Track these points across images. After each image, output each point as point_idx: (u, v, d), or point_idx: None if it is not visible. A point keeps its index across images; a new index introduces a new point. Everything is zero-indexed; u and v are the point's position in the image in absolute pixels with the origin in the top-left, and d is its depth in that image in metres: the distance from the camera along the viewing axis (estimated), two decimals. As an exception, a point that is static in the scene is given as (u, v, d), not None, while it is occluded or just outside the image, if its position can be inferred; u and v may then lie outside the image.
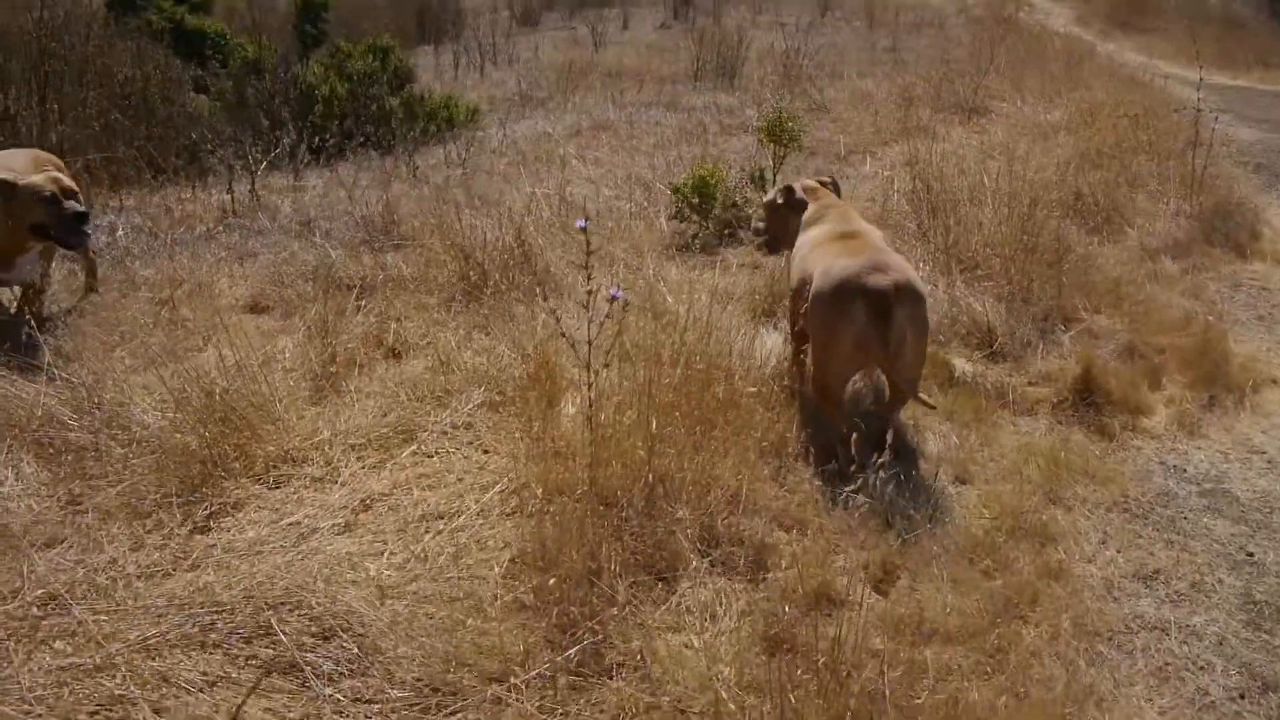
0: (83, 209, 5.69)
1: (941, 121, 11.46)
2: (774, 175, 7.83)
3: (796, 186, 5.68)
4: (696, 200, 7.33)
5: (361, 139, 9.92)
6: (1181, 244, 7.90)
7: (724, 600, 3.77)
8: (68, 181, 5.75)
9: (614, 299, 3.97)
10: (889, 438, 4.48)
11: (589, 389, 4.02)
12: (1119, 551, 4.43)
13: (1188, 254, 7.84)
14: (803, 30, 23.22)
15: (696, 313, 5.57)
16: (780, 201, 5.62)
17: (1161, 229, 8.12)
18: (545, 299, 5.20)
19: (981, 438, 5.21)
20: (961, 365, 5.91)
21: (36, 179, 5.58)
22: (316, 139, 9.76)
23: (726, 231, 7.48)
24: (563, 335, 4.12)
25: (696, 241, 7.39)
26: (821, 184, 5.75)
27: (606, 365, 4.13)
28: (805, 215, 5.50)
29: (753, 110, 11.40)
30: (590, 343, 3.96)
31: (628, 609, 3.62)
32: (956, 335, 6.11)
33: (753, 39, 17.74)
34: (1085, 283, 6.82)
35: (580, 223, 4.03)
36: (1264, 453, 5.39)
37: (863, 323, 4.59)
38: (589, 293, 3.95)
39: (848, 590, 3.86)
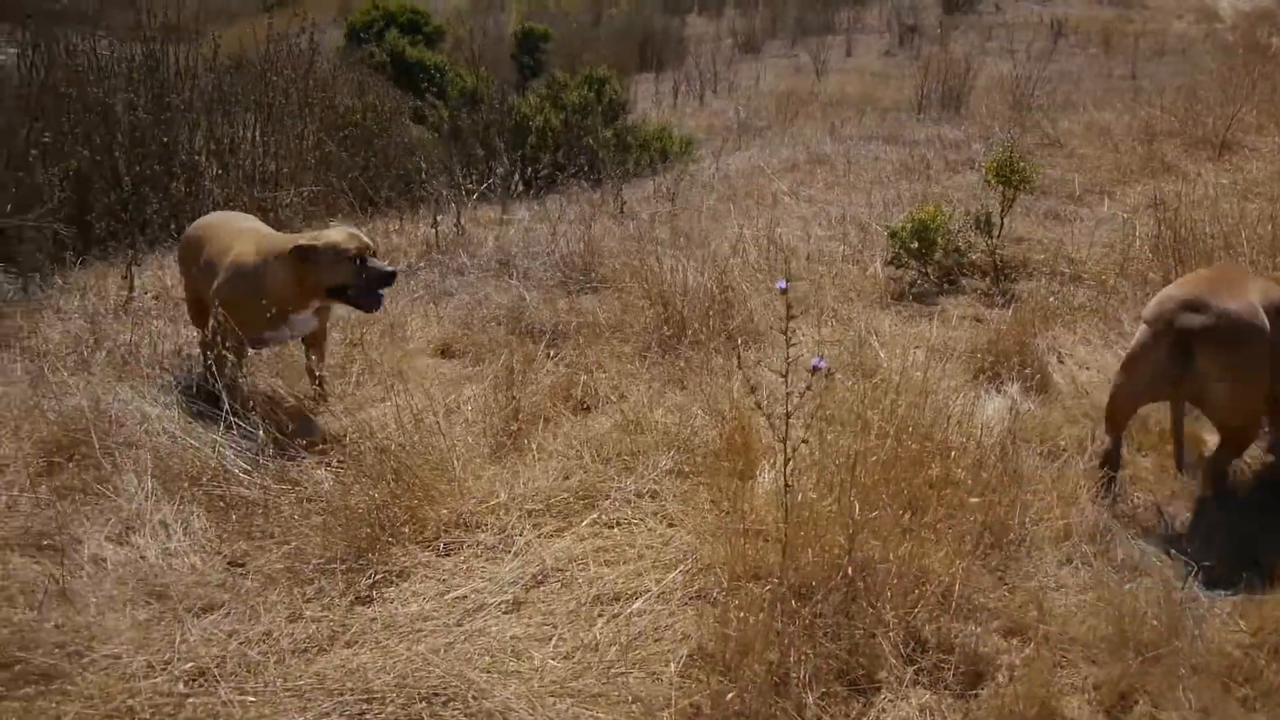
0: (391, 269, 5.09)
1: (1189, 158, 10.55)
2: (1001, 218, 7.21)
3: None
4: (915, 245, 6.79)
5: (573, 171, 9.72)
6: None
7: (929, 719, 3.27)
8: (366, 238, 5.15)
9: (815, 369, 3.53)
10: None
11: (785, 465, 3.60)
12: (1407, 683, 3.73)
13: None
14: (1034, 58, 22.22)
15: (910, 373, 5.08)
16: None
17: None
18: (738, 359, 4.74)
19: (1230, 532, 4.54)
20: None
21: (336, 236, 5.01)
22: (529, 170, 9.62)
23: (948, 280, 6.92)
24: (756, 407, 3.70)
25: (914, 290, 6.85)
26: None
27: (805, 441, 3.70)
28: None
29: (979, 144, 10.75)
30: (788, 415, 3.53)
31: (817, 727, 3.17)
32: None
33: (981, 66, 16.93)
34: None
35: (780, 284, 3.59)
36: None
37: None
38: (787, 362, 3.52)
39: (1076, 716, 3.32)
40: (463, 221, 7.86)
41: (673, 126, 12.03)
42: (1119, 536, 4.29)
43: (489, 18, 25.81)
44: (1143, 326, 4.54)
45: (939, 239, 6.88)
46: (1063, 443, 4.94)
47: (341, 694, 3.15)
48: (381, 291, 5.04)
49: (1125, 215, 8.27)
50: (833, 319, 6.30)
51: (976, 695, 3.39)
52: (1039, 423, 5.12)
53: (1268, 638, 3.76)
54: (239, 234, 5.28)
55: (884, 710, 3.29)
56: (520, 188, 9.27)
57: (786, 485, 3.62)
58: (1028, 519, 4.28)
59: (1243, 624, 3.88)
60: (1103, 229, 8.02)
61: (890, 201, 8.56)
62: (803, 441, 3.69)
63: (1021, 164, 7.00)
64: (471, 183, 8.81)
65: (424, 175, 9.06)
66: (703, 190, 9.66)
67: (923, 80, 16.02)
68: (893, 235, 6.86)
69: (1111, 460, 4.65)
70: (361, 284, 4.95)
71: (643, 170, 10.74)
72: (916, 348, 5.84)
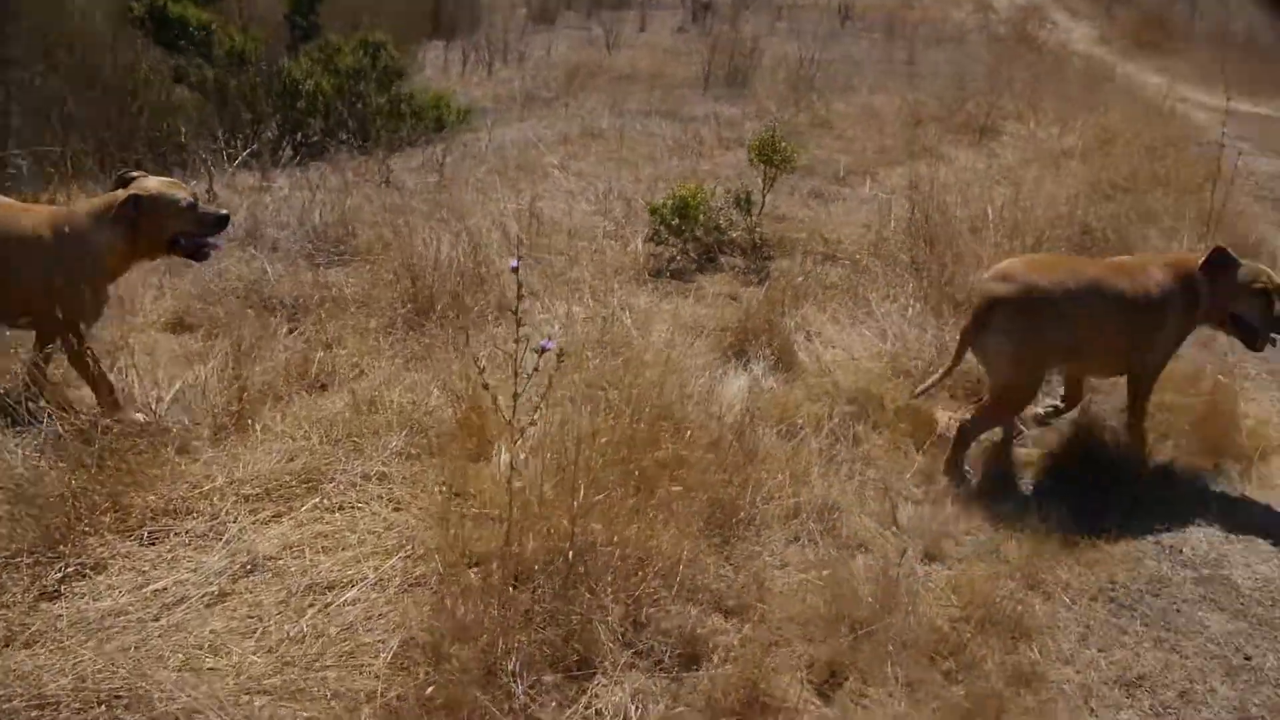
0: (225, 212, 4.85)
1: (950, 142, 10.91)
2: (763, 197, 7.28)
3: None
4: (676, 222, 6.80)
5: (344, 138, 9.38)
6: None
7: (641, 703, 3.25)
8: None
9: (543, 350, 3.46)
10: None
11: (513, 446, 3.53)
12: (1101, 651, 3.89)
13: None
14: (820, 40, 22.65)
15: (658, 350, 5.08)
16: None
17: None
18: (467, 337, 4.62)
19: (960, 506, 4.69)
20: (946, 419, 5.38)
21: (161, 184, 4.68)
22: (298, 135, 9.24)
23: (707, 256, 6.95)
24: (485, 387, 3.61)
25: (673, 267, 6.86)
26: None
27: (533, 422, 3.63)
28: None
29: (754, 123, 10.87)
30: (516, 395, 3.45)
31: (524, 715, 3.10)
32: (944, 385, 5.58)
33: (768, 46, 17.15)
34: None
35: (512, 263, 3.50)
36: (1269, 534, 4.86)
37: None
38: (516, 343, 3.44)
39: (786, 695, 3.35)
40: (214, 188, 7.48)
41: (453, 96, 11.75)
42: (845, 514, 4.38)
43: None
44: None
45: (700, 216, 6.91)
46: (800, 420, 4.99)
47: (10, 700, 2.92)
48: (217, 239, 4.81)
49: (885, 196, 8.47)
50: (589, 295, 6.24)
51: (692, 677, 3.39)
52: (779, 401, 5.17)
53: (974, 611, 3.89)
54: None
55: (596, 695, 3.25)
56: (288, 154, 8.90)
57: (511, 467, 3.54)
58: (759, 498, 4.32)
59: (954, 598, 4.01)
60: (863, 209, 8.21)
61: (659, 177, 8.56)
62: (530, 424, 3.62)
63: (783, 144, 7.07)
64: (234, 148, 8.40)
65: (184, 138, 8.59)
66: (474, 162, 9.47)
67: (709, 58, 16.14)
68: (653, 212, 6.85)
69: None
70: (197, 232, 4.67)
71: (417, 139, 10.46)
72: (667, 326, 5.84)
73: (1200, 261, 5.06)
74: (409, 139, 10.15)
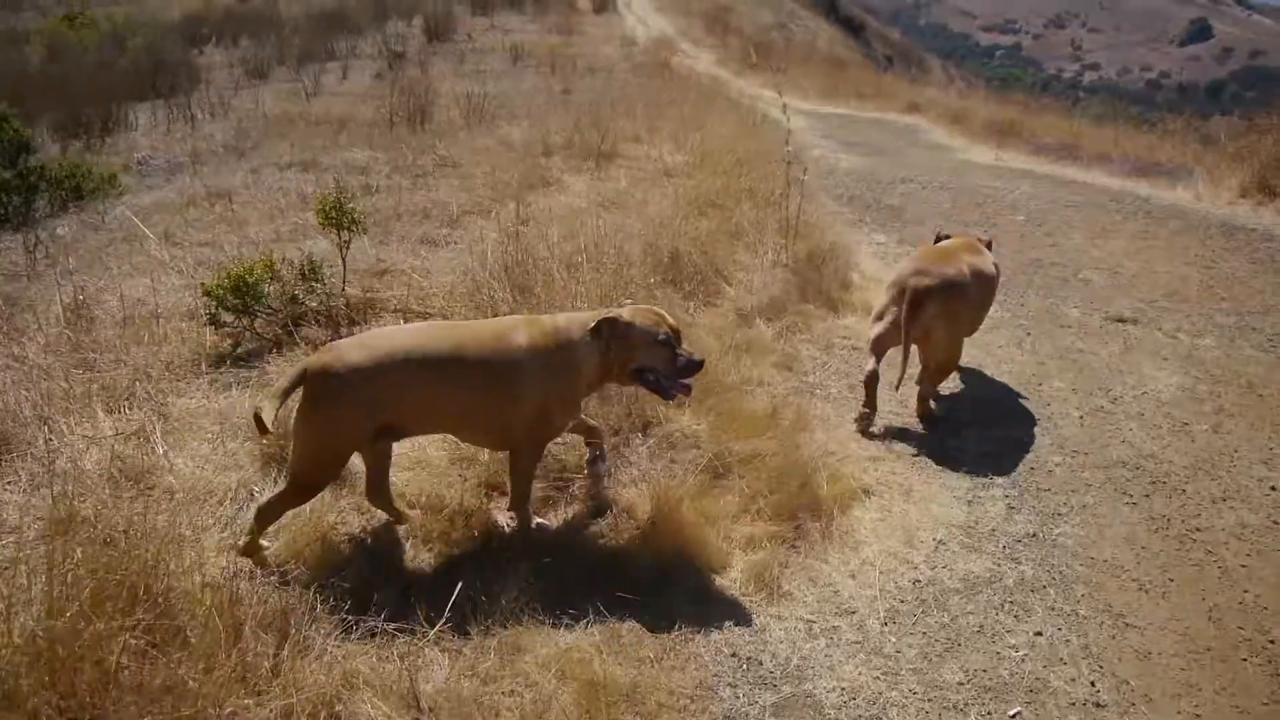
0: (701, 358, 3.64)
1: (572, 170, 9.24)
2: (344, 262, 5.38)
3: None
4: (237, 301, 4.82)
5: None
6: (777, 301, 5.95)
7: None
8: (672, 320, 3.63)
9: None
10: None
11: None
12: None
13: (783, 312, 5.89)
14: (495, 76, 20.78)
15: (185, 473, 3.19)
16: None
17: (759, 284, 6.15)
18: None
19: (509, 646, 3.02)
20: (504, 519, 3.69)
21: (642, 317, 3.56)
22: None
23: (286, 329, 4.99)
24: None
25: (239, 351, 4.88)
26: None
27: None
28: None
29: (386, 168, 8.89)
30: None
31: None
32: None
33: (451, 87, 15.13)
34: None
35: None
36: (853, 612, 3.41)
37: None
38: None
39: None
40: None
41: (87, 165, 9.06)
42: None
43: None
44: (887, 290, 4.74)
45: (268, 289, 4.96)
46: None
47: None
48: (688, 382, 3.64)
49: (495, 235, 6.71)
50: (125, 401, 4.23)
51: None
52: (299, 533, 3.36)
53: None
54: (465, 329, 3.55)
55: None
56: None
57: None
58: None
59: None
60: (473, 252, 6.41)
61: (268, 240, 6.52)
62: None
63: (351, 206, 5.17)
64: None
65: None
66: (97, 235, 7.17)
67: (390, 99, 14.08)
68: (208, 293, 4.84)
69: (871, 381, 4.70)
70: (667, 371, 3.57)
71: (55, 211, 8.03)
72: (213, 434, 3.92)
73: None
74: (51, 211, 7.77)
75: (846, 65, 26.29)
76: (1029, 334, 6.13)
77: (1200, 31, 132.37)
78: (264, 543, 3.28)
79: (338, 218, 5.12)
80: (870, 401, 4.72)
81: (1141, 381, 5.49)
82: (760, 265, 6.47)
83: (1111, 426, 4.95)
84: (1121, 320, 6.37)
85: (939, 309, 4.56)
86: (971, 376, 5.46)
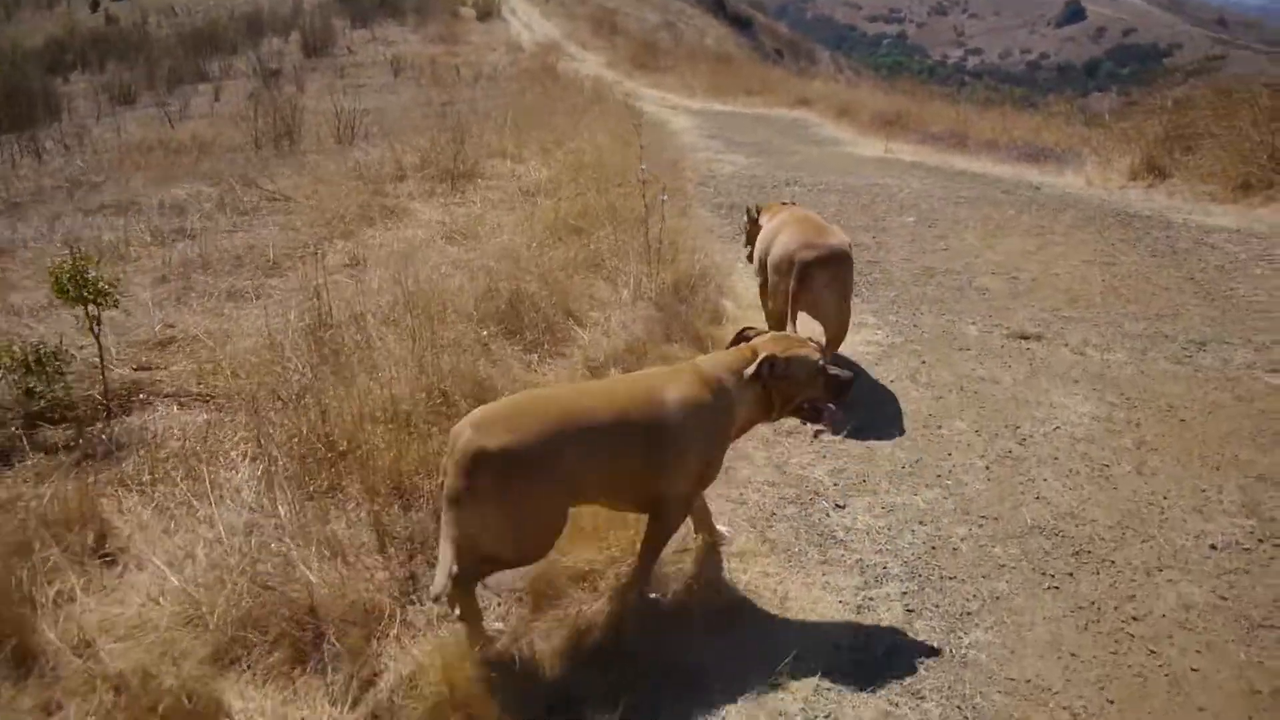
0: (850, 375, 3.30)
1: (425, 194, 8.20)
2: (98, 341, 4.26)
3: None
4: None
5: None
6: (636, 345, 5.01)
7: None
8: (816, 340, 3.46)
9: None
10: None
11: None
12: None
13: (642, 357, 4.95)
14: (376, 91, 19.69)
15: None
16: None
17: (617, 324, 5.22)
18: None
19: None
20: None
21: (796, 347, 3.24)
22: None
23: (33, 430, 3.86)
24: None
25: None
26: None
27: None
28: None
29: (209, 204, 7.73)
30: None
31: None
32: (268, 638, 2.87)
33: (332, 103, 13.88)
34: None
35: None
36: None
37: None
38: None
39: None
40: None
41: None
42: None
43: None
44: (773, 265, 4.80)
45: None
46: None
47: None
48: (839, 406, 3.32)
49: (318, 282, 5.66)
50: None
51: None
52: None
53: None
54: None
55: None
56: None
57: None
58: None
59: None
60: (286, 307, 5.36)
61: (34, 308, 5.36)
62: None
63: (95, 275, 4.07)
64: None
65: None
66: None
67: (254, 121, 12.91)
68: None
69: None
70: (825, 397, 3.26)
71: None
72: None
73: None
74: None
75: (734, 61, 25.57)
76: (924, 361, 5.31)
77: (1074, 13, 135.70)
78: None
79: (76, 290, 4.02)
80: None
81: (1051, 413, 4.70)
82: (620, 300, 5.53)
83: (1022, 478, 4.13)
84: (1024, 337, 5.59)
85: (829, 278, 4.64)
86: (864, 420, 4.60)
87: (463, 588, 2.86)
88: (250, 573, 2.89)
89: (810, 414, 3.30)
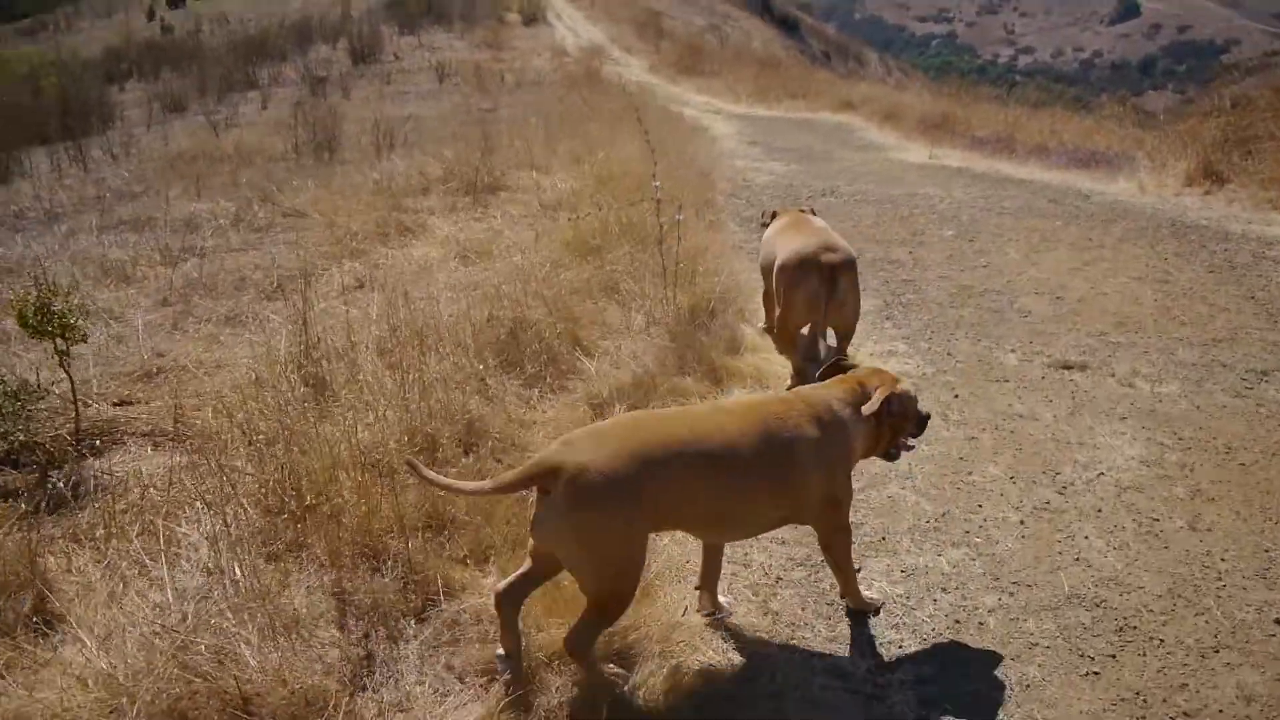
0: (928, 411, 3.30)
1: (447, 209, 7.90)
2: (69, 377, 3.99)
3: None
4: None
5: None
6: (646, 378, 4.62)
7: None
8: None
9: None
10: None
11: None
12: None
13: (651, 392, 4.56)
14: (420, 97, 19.60)
15: None
16: None
17: (628, 353, 4.85)
18: None
19: None
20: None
21: (906, 383, 3.17)
22: None
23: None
24: None
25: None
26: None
27: None
28: None
29: (225, 221, 7.49)
30: None
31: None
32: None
33: (380, 111, 13.73)
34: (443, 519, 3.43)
35: None
36: None
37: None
38: None
39: None
40: None
41: None
42: None
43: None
44: (790, 272, 4.64)
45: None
46: None
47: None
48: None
49: (320, 308, 5.38)
50: None
51: None
52: None
53: None
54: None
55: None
56: None
57: None
58: None
59: None
60: (276, 340, 5.06)
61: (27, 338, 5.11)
62: None
63: (60, 309, 3.80)
64: None
65: None
66: None
67: (294, 129, 12.80)
68: None
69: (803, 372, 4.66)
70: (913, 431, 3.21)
71: None
72: None
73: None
74: None
75: (780, 64, 25.03)
76: (957, 395, 4.86)
77: (1129, 10, 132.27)
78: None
79: (41, 323, 3.75)
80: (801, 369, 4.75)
81: (1095, 457, 4.23)
82: (632, 327, 5.16)
83: (1061, 534, 3.68)
84: (1068, 367, 5.11)
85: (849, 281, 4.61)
86: (881, 470, 4.17)
87: (579, 651, 2.68)
88: (180, 658, 2.57)
89: (894, 452, 3.21)
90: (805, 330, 4.89)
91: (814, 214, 5.28)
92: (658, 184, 5.34)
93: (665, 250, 5.38)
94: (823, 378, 3.23)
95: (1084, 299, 6.15)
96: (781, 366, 4.99)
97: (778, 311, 4.84)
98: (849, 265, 4.58)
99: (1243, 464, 4.15)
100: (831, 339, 4.98)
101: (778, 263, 4.75)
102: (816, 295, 4.55)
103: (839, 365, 3.28)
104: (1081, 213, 8.41)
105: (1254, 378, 4.93)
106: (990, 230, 7.81)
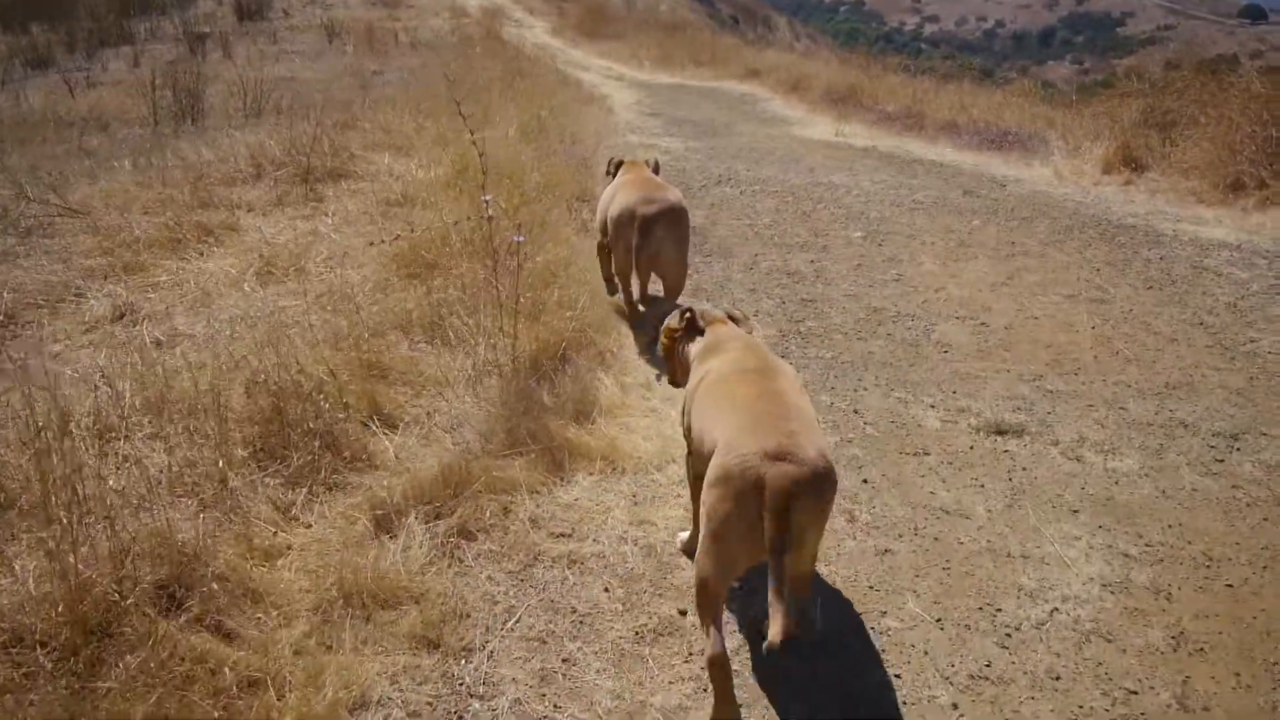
0: None
1: (274, 202, 6.40)
2: None
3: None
4: None
5: None
6: (457, 465, 3.32)
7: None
8: None
9: None
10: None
11: None
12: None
13: (465, 486, 3.25)
14: (307, 57, 17.80)
15: None
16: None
17: (446, 421, 3.55)
18: None
19: None
20: None
21: None
22: None
23: None
24: None
25: None
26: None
27: None
28: None
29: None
30: None
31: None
32: None
33: (257, 72, 11.88)
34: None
35: None
36: None
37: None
38: None
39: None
40: None
41: None
42: None
43: None
44: (615, 225, 4.57)
45: None
46: None
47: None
48: None
49: (59, 348, 3.92)
50: None
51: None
52: None
53: None
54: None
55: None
56: None
57: None
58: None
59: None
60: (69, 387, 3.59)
61: None
62: None
63: None
64: None
65: None
66: None
67: (151, 91, 11.03)
68: None
69: (633, 310, 4.78)
70: None
71: None
72: None
73: None
74: None
75: (687, 29, 23.55)
76: (865, 479, 3.66)
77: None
78: None
79: None
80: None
81: (1045, 579, 3.09)
82: (457, 380, 3.84)
83: (1009, 726, 2.53)
84: (1001, 432, 3.96)
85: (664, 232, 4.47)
86: (763, 607, 2.96)
87: None
88: None
89: None
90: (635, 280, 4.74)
91: (657, 171, 5.03)
92: (488, 198, 3.98)
93: (505, 277, 4.05)
94: (689, 330, 3.04)
95: (1011, 326, 5.04)
96: (644, 439, 3.73)
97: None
98: (662, 216, 4.43)
99: (1230, 585, 3.06)
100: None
101: (610, 215, 4.64)
102: (631, 246, 4.45)
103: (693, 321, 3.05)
104: (1000, 208, 7.32)
105: (1223, 445, 3.87)
106: (902, 232, 6.65)
